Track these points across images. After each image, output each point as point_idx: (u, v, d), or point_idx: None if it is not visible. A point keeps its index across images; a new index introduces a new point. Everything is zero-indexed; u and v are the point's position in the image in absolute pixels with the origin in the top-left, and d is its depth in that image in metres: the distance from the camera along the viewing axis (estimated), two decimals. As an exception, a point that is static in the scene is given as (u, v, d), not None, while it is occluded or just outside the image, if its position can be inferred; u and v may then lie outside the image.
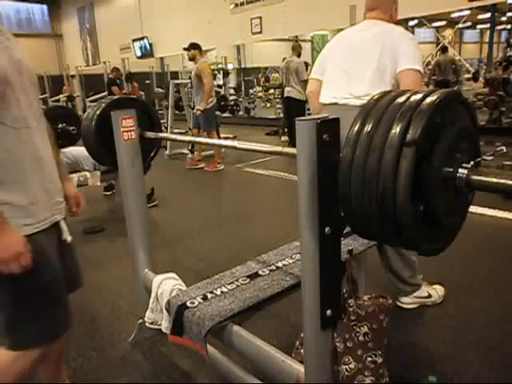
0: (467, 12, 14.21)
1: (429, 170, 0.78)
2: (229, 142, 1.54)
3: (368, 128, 0.80)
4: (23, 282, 1.15)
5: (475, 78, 11.48)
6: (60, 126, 3.35)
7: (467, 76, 12.41)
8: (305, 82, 6.66)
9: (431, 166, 0.78)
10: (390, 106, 0.81)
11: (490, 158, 4.92)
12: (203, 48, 5.85)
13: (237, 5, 8.80)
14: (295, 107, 6.65)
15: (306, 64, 7.83)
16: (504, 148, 5.16)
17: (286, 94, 6.90)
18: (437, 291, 2.18)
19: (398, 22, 2.08)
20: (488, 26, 15.96)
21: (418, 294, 2.14)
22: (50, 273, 1.23)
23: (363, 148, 0.80)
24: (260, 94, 15.50)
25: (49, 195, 1.25)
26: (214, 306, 1.40)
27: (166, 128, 7.38)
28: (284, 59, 7.10)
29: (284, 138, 7.57)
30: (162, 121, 6.71)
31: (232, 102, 12.09)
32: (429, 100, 0.78)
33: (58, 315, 1.29)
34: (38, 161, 1.21)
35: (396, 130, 0.77)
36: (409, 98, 0.81)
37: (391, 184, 0.76)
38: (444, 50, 9.24)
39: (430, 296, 2.16)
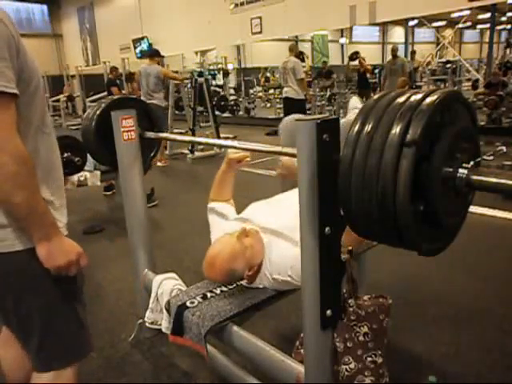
0: (467, 12, 14.23)
1: (429, 170, 0.78)
2: (229, 142, 1.54)
3: (368, 128, 0.80)
4: (61, 288, 1.08)
5: (475, 86, 11.53)
6: (65, 155, 3.29)
7: (467, 76, 12.48)
8: (301, 81, 6.68)
9: (431, 166, 0.78)
10: (390, 105, 0.81)
11: (490, 157, 4.93)
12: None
13: (237, 5, 8.80)
14: (294, 107, 6.63)
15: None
16: (504, 148, 5.17)
17: (284, 95, 6.92)
18: None
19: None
20: (488, 26, 15.94)
21: None
22: (81, 277, 1.14)
23: (363, 148, 0.79)
24: (260, 94, 15.48)
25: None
26: (213, 306, 1.40)
27: (166, 128, 7.36)
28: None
29: (284, 139, 7.56)
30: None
31: (232, 102, 12.11)
32: (429, 100, 0.78)
33: (86, 328, 1.18)
34: (60, 166, 1.17)
35: (396, 130, 0.76)
36: (409, 97, 0.80)
37: (391, 184, 0.75)
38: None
39: None
